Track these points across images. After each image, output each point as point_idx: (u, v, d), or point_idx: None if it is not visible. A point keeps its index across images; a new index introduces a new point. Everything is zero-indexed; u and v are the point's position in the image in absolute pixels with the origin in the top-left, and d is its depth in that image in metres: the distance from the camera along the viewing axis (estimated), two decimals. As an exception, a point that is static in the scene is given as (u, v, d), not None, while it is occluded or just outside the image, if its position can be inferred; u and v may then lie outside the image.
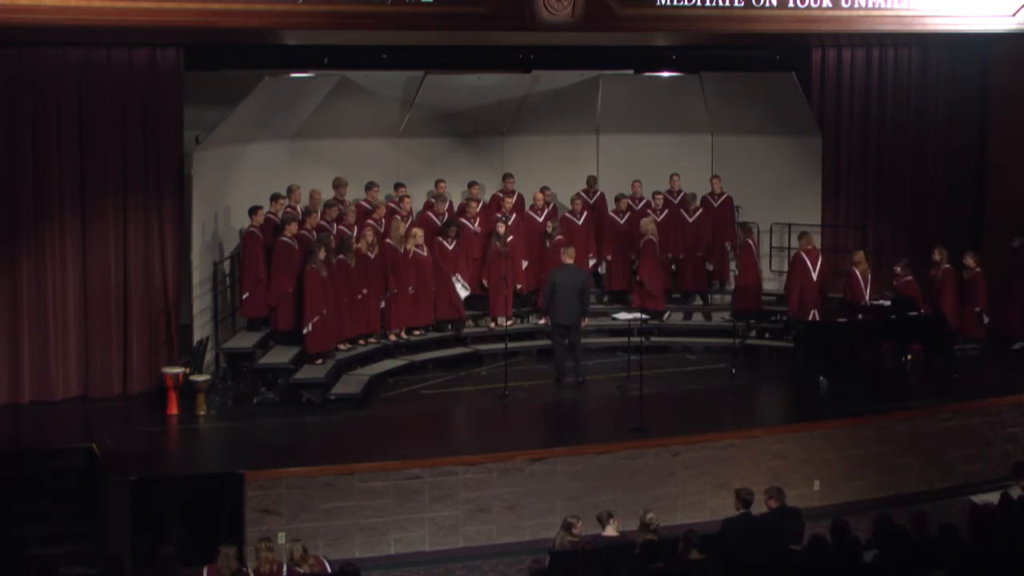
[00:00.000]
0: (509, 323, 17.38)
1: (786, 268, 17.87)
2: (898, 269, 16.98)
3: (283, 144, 17.26)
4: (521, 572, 12.10)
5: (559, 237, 17.37)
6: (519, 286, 17.56)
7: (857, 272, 16.88)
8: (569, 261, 16.14)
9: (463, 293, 17.22)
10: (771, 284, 18.26)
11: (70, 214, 15.10)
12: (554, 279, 16.04)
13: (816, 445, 14.35)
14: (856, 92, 18.46)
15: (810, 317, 16.65)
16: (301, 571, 10.65)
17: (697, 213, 18.28)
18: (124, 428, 14.18)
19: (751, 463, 13.98)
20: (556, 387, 16.03)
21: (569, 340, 16.08)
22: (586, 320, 16.36)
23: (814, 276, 17.08)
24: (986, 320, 17.17)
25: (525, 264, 17.60)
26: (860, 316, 16.42)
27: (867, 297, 16.68)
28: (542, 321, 17.61)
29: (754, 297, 17.65)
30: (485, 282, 17.32)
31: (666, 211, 18.29)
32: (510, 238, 17.26)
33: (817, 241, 17.68)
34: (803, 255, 17.14)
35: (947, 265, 16.98)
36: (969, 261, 17.13)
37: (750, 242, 17.60)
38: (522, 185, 18.16)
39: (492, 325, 17.42)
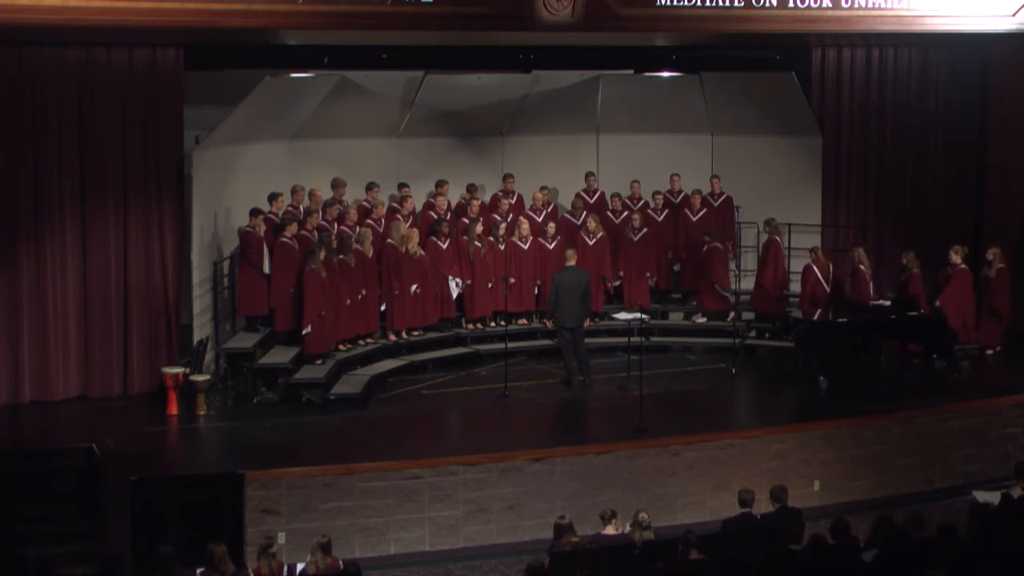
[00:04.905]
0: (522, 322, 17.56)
1: (788, 268, 17.91)
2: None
3: (283, 144, 17.25)
4: (521, 572, 12.08)
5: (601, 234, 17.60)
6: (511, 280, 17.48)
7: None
8: (571, 263, 16.13)
9: (454, 291, 17.17)
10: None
11: (70, 214, 15.09)
12: (556, 281, 16.03)
13: (816, 445, 14.35)
14: (856, 92, 18.45)
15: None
16: (310, 571, 10.62)
17: (701, 212, 18.27)
18: (124, 428, 14.18)
19: (751, 463, 13.98)
20: (560, 387, 15.99)
21: (574, 341, 16.08)
22: (587, 321, 16.34)
23: (785, 264, 17.46)
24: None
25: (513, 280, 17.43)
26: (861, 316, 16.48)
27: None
28: (522, 322, 17.61)
29: (773, 298, 17.65)
30: (469, 281, 17.24)
31: (666, 211, 18.31)
32: (553, 240, 17.49)
33: (817, 240, 17.73)
34: (777, 240, 17.37)
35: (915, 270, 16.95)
36: (955, 258, 17.06)
37: (777, 239, 17.56)
38: (522, 185, 18.16)
39: (476, 326, 17.39)
